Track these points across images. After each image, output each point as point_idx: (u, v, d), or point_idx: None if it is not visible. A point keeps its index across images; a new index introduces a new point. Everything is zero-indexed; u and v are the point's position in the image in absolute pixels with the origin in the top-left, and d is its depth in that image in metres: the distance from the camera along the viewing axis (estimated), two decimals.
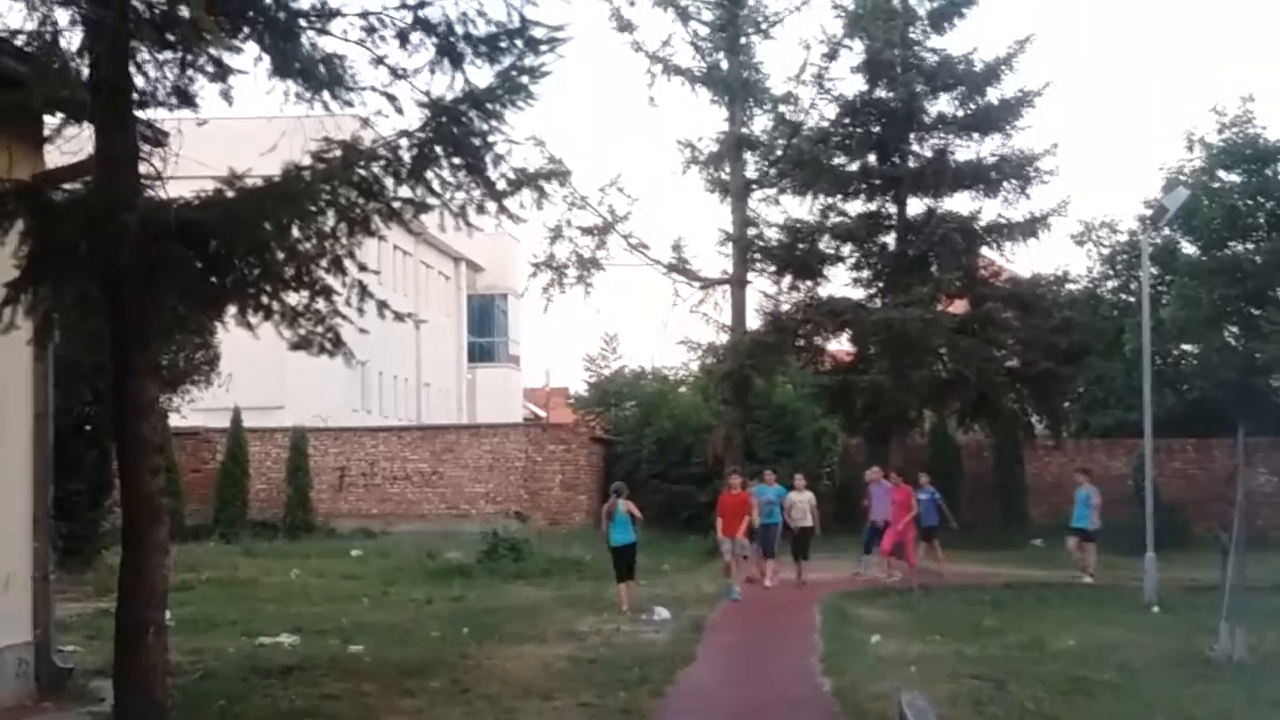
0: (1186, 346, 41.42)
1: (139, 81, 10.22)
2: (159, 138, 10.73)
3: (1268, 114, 69.45)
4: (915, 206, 33.63)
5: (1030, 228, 32.96)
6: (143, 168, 10.17)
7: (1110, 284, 43.59)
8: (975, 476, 38.82)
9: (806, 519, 26.37)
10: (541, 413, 66.38)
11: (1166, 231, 39.12)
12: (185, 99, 10.59)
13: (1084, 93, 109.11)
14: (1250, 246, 39.86)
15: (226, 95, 10.68)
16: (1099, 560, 27.66)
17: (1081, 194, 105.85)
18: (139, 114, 10.28)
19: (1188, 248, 41.14)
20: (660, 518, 34.18)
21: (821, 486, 32.81)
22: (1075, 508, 28.59)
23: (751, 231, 34.57)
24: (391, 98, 10.65)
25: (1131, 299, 39.64)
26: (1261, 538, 28.29)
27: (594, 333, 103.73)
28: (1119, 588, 24.63)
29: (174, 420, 28.87)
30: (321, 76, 10.55)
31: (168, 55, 10.38)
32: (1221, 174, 40.62)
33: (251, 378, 33.10)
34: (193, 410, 29.80)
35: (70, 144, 10.98)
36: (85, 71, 10.18)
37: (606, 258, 33.97)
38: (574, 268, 33.83)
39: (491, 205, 10.92)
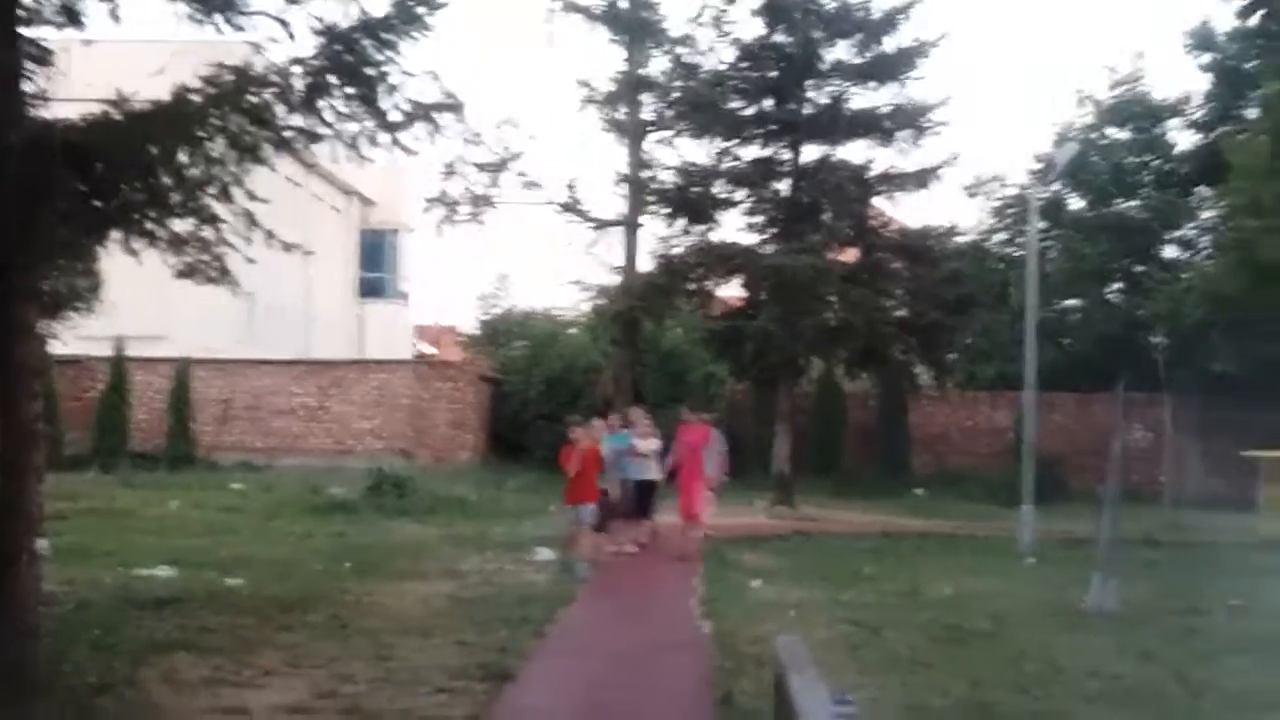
0: (1070, 301, 42.05)
1: None
2: (44, 56, 10.49)
3: (1158, 73, 70.54)
4: (810, 153, 33.61)
5: (922, 178, 33.03)
6: (27, 87, 9.94)
7: (998, 237, 44.09)
8: (860, 425, 39.30)
9: (650, 471, 22.33)
10: (432, 350, 66.04)
11: (1055, 186, 39.64)
12: (72, 17, 10.38)
13: (979, 46, 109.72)
14: (1136, 203, 40.52)
15: (114, 14, 10.49)
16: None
17: (973, 147, 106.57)
18: (24, 31, 10.02)
19: (1075, 203, 41.73)
20: (547, 459, 34.21)
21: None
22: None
23: (646, 173, 34.51)
24: (284, 23, 10.50)
25: (1019, 252, 40.14)
26: (1135, 492, 28.90)
27: (486, 271, 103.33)
28: (996, 538, 25.00)
29: (55, 348, 28.33)
30: None
31: None
32: (1110, 131, 41.24)
33: (136, 306, 32.51)
34: (75, 338, 29.25)
35: None
36: None
37: (500, 195, 33.81)
38: (467, 205, 33.63)
39: (384, 137, 10.82)
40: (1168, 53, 76.90)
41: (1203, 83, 40.27)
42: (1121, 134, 41.24)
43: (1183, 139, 41.44)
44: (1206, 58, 39.46)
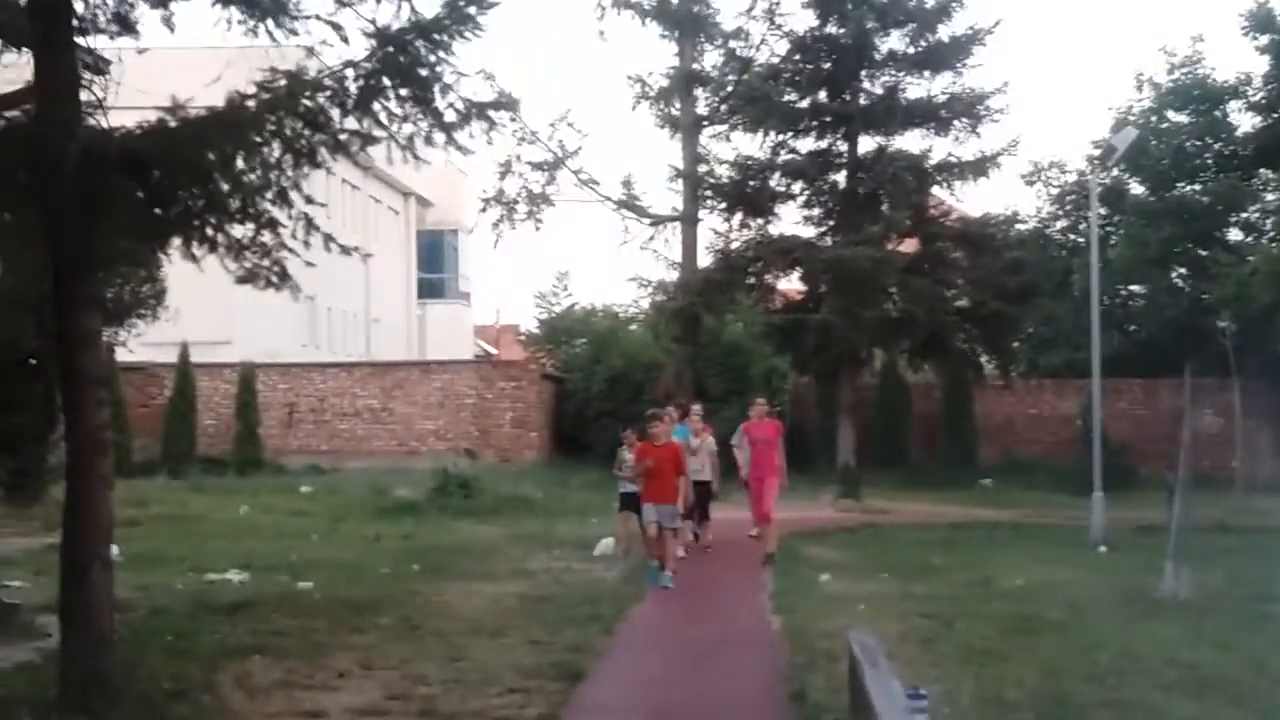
0: (1134, 287, 41.65)
1: (79, 7, 9.98)
2: (100, 65, 10.51)
3: (1216, 55, 69.76)
4: (866, 144, 33.54)
5: (980, 167, 32.88)
6: (84, 95, 9.94)
7: (1059, 224, 43.71)
8: (925, 416, 39.01)
9: (704, 472, 21.21)
10: (493, 350, 66.17)
11: (1115, 172, 39.30)
12: (126, 25, 10.38)
13: (1035, 31, 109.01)
14: (1197, 187, 40.10)
15: (168, 22, 10.49)
16: None
17: (1031, 134, 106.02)
18: (79, 40, 10.03)
19: (1136, 188, 41.35)
20: (610, 455, 34.20)
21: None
22: None
23: (702, 168, 34.48)
24: (337, 27, 10.44)
25: (1080, 239, 39.80)
26: (1207, 478, 28.58)
27: (545, 269, 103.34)
28: (1066, 528, 24.76)
29: (121, 355, 28.56)
30: (265, 4, 10.34)
31: None
32: (1170, 114, 40.80)
33: (200, 312, 32.73)
34: (140, 345, 29.44)
35: (9, 71, 10.75)
36: None
37: (557, 193, 33.81)
38: (524, 203, 33.66)
39: (440, 137, 10.76)
40: (1225, 35, 75.90)
41: (1261, 64, 39.76)
42: (1181, 117, 40.78)
43: (1243, 121, 40.99)
44: (1265, 39, 38.91)
